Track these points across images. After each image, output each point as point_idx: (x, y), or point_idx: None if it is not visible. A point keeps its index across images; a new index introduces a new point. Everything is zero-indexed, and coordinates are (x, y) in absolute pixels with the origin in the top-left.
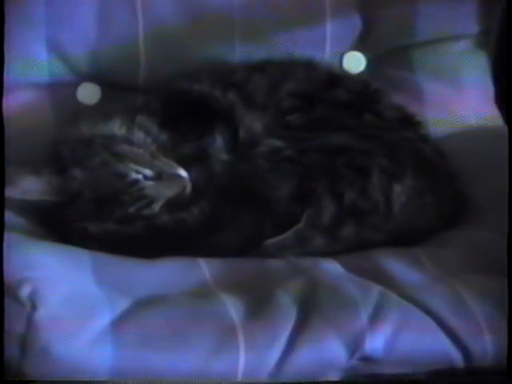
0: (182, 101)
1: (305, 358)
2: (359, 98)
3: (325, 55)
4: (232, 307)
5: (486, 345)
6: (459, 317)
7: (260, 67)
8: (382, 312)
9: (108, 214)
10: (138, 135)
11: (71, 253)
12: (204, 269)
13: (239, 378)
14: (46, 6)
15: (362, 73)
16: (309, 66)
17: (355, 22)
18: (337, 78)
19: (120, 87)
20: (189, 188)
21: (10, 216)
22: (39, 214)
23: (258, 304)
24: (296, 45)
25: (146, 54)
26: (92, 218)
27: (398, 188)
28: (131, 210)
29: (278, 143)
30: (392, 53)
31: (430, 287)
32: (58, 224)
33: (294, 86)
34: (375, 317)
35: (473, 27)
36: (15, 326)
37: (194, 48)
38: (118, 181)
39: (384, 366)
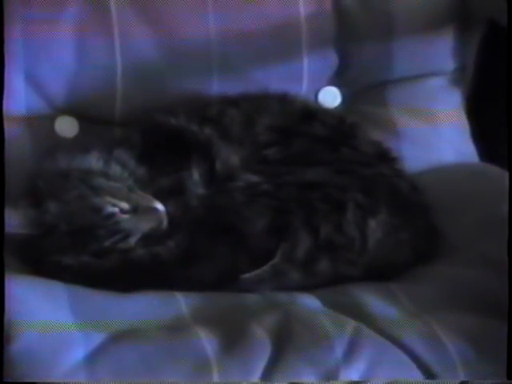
0: (159, 135)
1: None
2: (336, 132)
3: (301, 90)
4: (207, 342)
5: (459, 380)
6: (433, 352)
7: (234, 101)
8: (357, 347)
9: (84, 247)
10: (115, 169)
11: (47, 286)
12: (181, 302)
13: None
14: (24, 40)
15: (337, 108)
16: (283, 99)
17: (332, 58)
18: (312, 112)
19: (97, 121)
20: (165, 222)
21: None
22: (15, 247)
23: (233, 338)
24: (273, 80)
25: (123, 88)
26: (68, 251)
27: (373, 223)
28: (107, 243)
29: (254, 178)
30: (368, 89)
31: (404, 323)
32: (34, 257)
33: (271, 120)
34: (349, 351)
35: (448, 64)
36: None
37: (171, 82)
38: (94, 214)
39: None
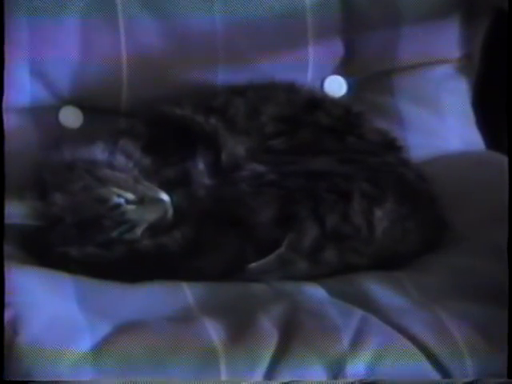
0: (165, 125)
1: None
2: (341, 121)
3: (307, 79)
4: (214, 331)
5: (466, 369)
6: (440, 342)
7: (240, 91)
8: (363, 336)
9: (90, 238)
10: (121, 159)
11: (53, 277)
12: (187, 293)
13: None
14: (29, 30)
15: (342, 97)
16: (290, 89)
17: (337, 47)
18: (318, 102)
19: (102, 111)
20: (170, 212)
21: None
22: (21, 238)
23: (240, 328)
24: (279, 69)
25: (128, 78)
26: (74, 242)
27: (379, 213)
28: (113, 234)
29: (260, 168)
30: (374, 77)
31: (411, 312)
32: (40, 248)
33: (277, 110)
34: (356, 341)
35: (454, 52)
36: None
37: (176, 72)
38: (99, 205)
39: None
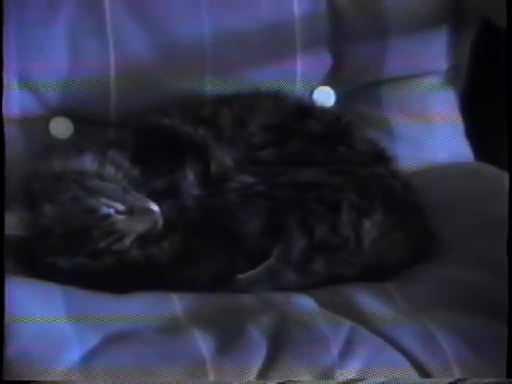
0: (154, 136)
1: None
2: (332, 129)
3: (295, 90)
4: (202, 342)
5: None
6: (428, 352)
7: (228, 101)
8: (352, 347)
9: (78, 248)
10: (110, 170)
11: (42, 288)
12: (176, 303)
13: None
14: (17, 40)
15: (331, 108)
16: (276, 96)
17: (326, 58)
18: (307, 109)
19: (91, 122)
20: (160, 223)
21: None
22: (10, 249)
23: (229, 339)
24: (267, 80)
25: (117, 89)
26: (62, 252)
27: (368, 224)
28: (102, 244)
29: (249, 179)
30: (362, 89)
31: (400, 323)
32: (29, 259)
33: (265, 119)
34: (345, 352)
35: (442, 63)
36: None
37: (164, 82)
38: (88, 215)
39: None
